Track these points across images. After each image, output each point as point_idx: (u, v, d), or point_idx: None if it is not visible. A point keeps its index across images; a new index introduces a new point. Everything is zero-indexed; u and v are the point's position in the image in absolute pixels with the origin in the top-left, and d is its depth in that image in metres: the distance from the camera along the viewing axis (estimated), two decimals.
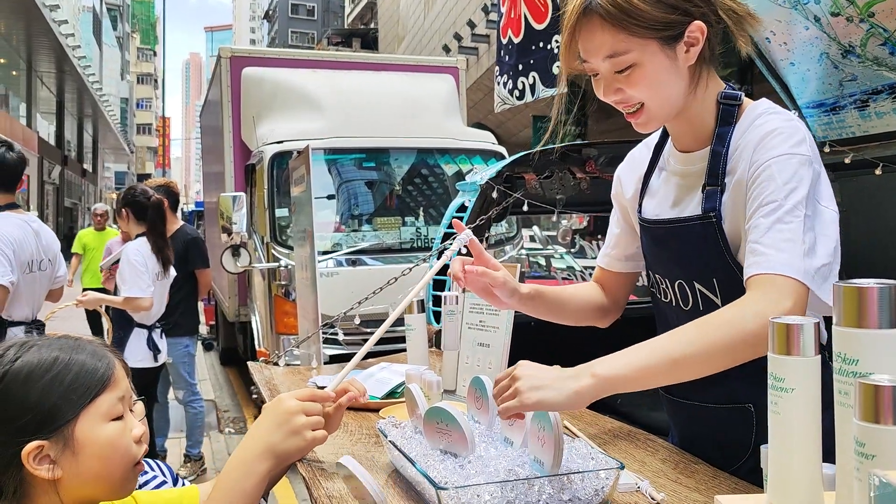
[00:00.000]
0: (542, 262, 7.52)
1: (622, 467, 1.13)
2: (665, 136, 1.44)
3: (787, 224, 1.14)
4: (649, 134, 1.48)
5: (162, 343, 4.01)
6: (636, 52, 1.22)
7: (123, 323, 3.88)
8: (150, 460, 1.56)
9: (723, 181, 1.26)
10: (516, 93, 3.89)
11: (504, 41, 4.11)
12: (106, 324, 3.99)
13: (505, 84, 4.05)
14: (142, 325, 3.89)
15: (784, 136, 1.20)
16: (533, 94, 3.68)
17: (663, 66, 1.24)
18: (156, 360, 3.93)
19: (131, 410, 1.08)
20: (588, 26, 1.24)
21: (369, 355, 2.58)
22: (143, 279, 3.75)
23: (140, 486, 1.47)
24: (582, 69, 1.31)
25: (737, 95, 1.30)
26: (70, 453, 0.96)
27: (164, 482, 1.54)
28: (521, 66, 3.76)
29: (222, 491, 1.01)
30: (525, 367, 1.14)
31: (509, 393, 1.12)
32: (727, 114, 1.29)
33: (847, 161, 2.52)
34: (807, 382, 0.78)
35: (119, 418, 1.01)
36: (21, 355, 0.97)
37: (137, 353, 3.80)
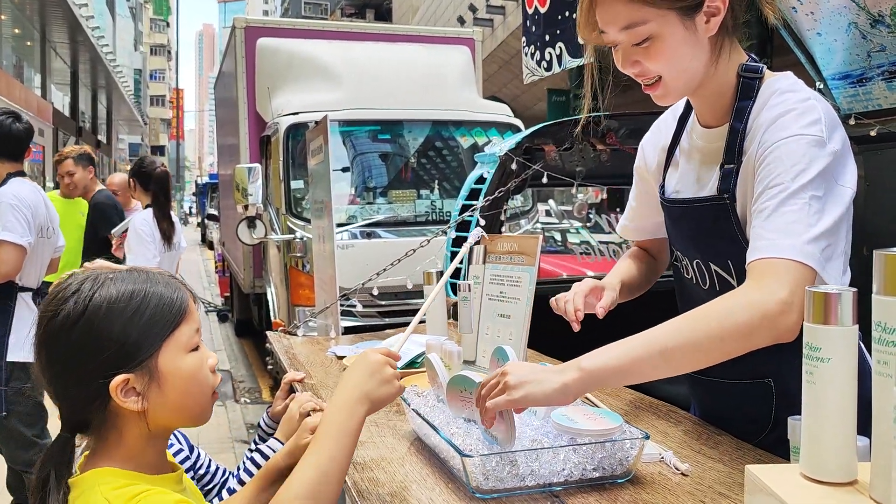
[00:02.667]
0: (558, 236, 7.48)
1: (647, 437, 1.13)
2: (690, 107, 1.41)
3: (792, 206, 1.10)
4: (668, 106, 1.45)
5: None
6: (654, 24, 1.18)
7: None
8: None
9: (739, 159, 1.24)
10: (544, 64, 3.83)
11: (530, 11, 4.05)
12: None
13: (532, 55, 3.99)
14: None
15: (795, 115, 1.16)
16: (560, 64, 3.63)
17: (682, 38, 1.20)
18: None
19: None
20: None
21: (388, 327, 2.59)
22: (149, 249, 3.79)
23: None
24: (600, 40, 1.27)
25: (758, 68, 1.26)
26: (155, 385, 0.98)
27: (180, 449, 1.55)
28: (548, 37, 3.70)
29: (328, 432, 1.03)
30: (512, 365, 1.15)
31: (498, 389, 1.11)
32: (747, 87, 1.25)
33: (872, 134, 2.47)
34: (844, 352, 0.77)
35: (196, 349, 1.04)
36: (97, 290, 0.98)
37: None
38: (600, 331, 1.55)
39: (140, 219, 3.88)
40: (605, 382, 1.13)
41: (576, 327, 1.44)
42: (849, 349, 0.77)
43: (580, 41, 1.37)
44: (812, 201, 1.11)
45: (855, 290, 0.78)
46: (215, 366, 1.08)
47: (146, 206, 3.95)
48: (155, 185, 3.93)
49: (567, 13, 3.44)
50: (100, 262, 4.17)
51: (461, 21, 16.66)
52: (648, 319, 1.45)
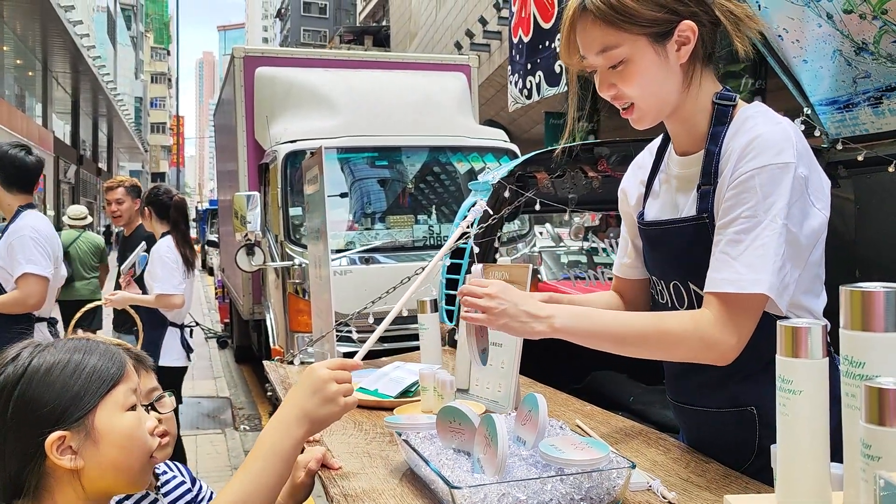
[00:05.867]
0: (584, 259, 7.40)
1: (633, 466, 1.14)
2: (667, 138, 1.47)
3: (763, 240, 1.18)
4: (657, 130, 1.49)
5: (192, 342, 4.04)
6: (626, 47, 1.27)
7: (156, 322, 3.84)
8: (169, 462, 1.57)
9: (715, 180, 1.29)
10: (525, 92, 3.91)
11: (515, 40, 4.13)
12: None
13: (516, 83, 4.07)
14: (174, 324, 3.91)
15: (766, 143, 1.21)
16: (539, 93, 3.70)
17: (653, 63, 1.28)
18: (188, 358, 3.96)
19: (147, 406, 1.11)
20: (583, 23, 1.31)
21: (387, 353, 2.60)
22: (175, 276, 3.77)
23: (161, 485, 1.48)
24: (583, 65, 1.37)
25: (731, 96, 1.33)
26: (91, 443, 0.99)
27: (182, 482, 1.55)
28: (529, 66, 3.79)
29: (259, 452, 1.04)
30: (504, 291, 1.28)
31: (481, 305, 1.27)
32: (721, 114, 1.32)
33: (860, 158, 2.50)
34: (815, 384, 0.79)
35: (133, 408, 1.04)
36: (35, 356, 1.01)
37: (173, 353, 3.82)
38: (589, 357, 1.56)
39: (164, 247, 3.85)
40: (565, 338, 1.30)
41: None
42: (819, 381, 0.79)
43: (556, 70, 1.46)
44: (783, 230, 1.18)
45: (825, 323, 0.80)
46: (155, 430, 1.08)
47: (163, 234, 3.94)
48: (175, 212, 3.95)
49: (547, 42, 3.52)
50: (121, 294, 4.10)
51: (458, 46, 16.82)
52: None
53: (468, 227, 1.67)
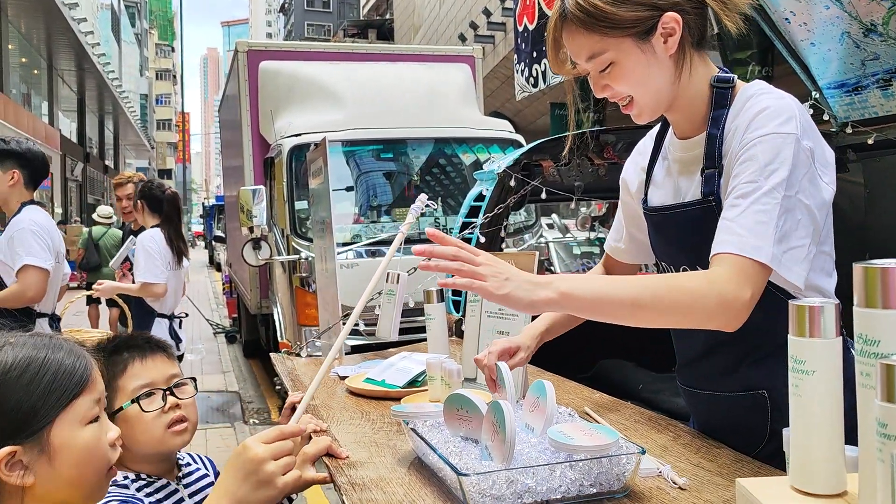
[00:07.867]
0: (597, 250, 7.39)
1: (643, 452, 1.13)
2: (666, 123, 1.46)
3: (763, 206, 1.15)
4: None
5: (182, 333, 4.09)
6: (612, 52, 1.26)
7: (144, 313, 3.93)
8: (192, 453, 1.55)
9: (720, 163, 1.28)
10: (532, 80, 3.88)
11: (520, 29, 4.11)
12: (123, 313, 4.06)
13: (522, 72, 4.04)
14: (162, 315, 3.96)
15: (771, 114, 1.20)
16: (545, 80, 3.68)
17: (640, 61, 1.27)
18: (178, 349, 4.01)
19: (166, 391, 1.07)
20: (567, 32, 1.30)
21: (395, 345, 2.58)
22: (156, 265, 3.84)
23: (182, 477, 1.46)
24: (574, 72, 1.37)
25: (729, 78, 1.31)
26: (45, 459, 0.91)
27: (205, 475, 1.52)
28: (535, 54, 3.76)
29: None
30: (494, 259, 1.17)
31: (482, 272, 1.13)
32: (721, 97, 1.30)
33: (870, 141, 2.48)
34: (828, 364, 0.77)
35: (95, 420, 0.97)
36: None
37: None
38: (596, 346, 1.54)
39: (148, 237, 3.92)
40: (571, 311, 1.21)
41: (492, 388, 1.46)
42: (832, 361, 0.78)
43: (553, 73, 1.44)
44: (783, 201, 1.15)
45: (837, 302, 0.79)
46: (116, 440, 1.00)
47: (152, 227, 4.00)
48: (168, 206, 4.01)
49: None
50: (108, 284, 4.17)
51: (462, 38, 16.77)
52: (640, 333, 1.46)
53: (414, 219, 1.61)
